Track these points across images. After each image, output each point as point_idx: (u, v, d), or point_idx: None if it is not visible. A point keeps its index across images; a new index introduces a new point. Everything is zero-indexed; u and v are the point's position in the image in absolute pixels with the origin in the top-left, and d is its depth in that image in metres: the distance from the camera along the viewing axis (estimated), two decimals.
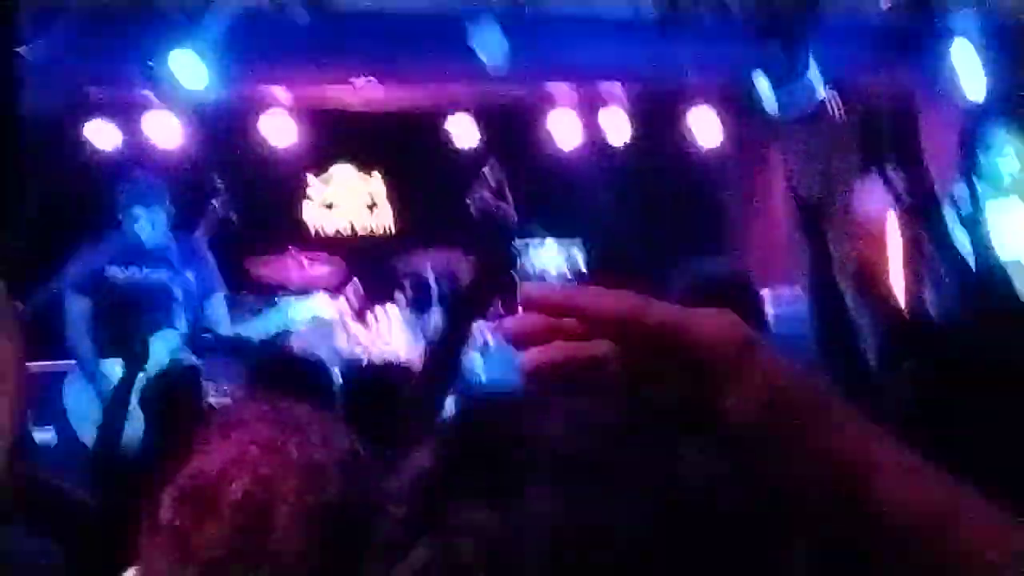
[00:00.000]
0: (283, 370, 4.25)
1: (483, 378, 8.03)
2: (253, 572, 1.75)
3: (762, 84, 9.16)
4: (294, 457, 1.79)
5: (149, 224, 7.29)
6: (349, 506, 1.78)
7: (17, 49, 6.94)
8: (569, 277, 3.58)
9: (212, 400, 3.33)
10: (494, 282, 3.68)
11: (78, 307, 7.31)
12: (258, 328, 7.64)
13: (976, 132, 8.47)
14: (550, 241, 3.54)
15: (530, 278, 3.62)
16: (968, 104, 9.79)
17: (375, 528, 0.99)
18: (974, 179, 7.84)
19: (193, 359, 6.95)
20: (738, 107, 10.44)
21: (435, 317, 9.28)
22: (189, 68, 7.80)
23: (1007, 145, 8.11)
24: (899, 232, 10.90)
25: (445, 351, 3.58)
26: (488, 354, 8.17)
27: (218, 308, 7.54)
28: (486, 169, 9.35)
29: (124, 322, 7.21)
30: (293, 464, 1.78)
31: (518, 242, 3.52)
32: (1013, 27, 9.07)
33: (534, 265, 3.52)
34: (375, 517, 0.96)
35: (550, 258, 3.49)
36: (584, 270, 3.51)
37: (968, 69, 9.21)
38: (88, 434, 6.28)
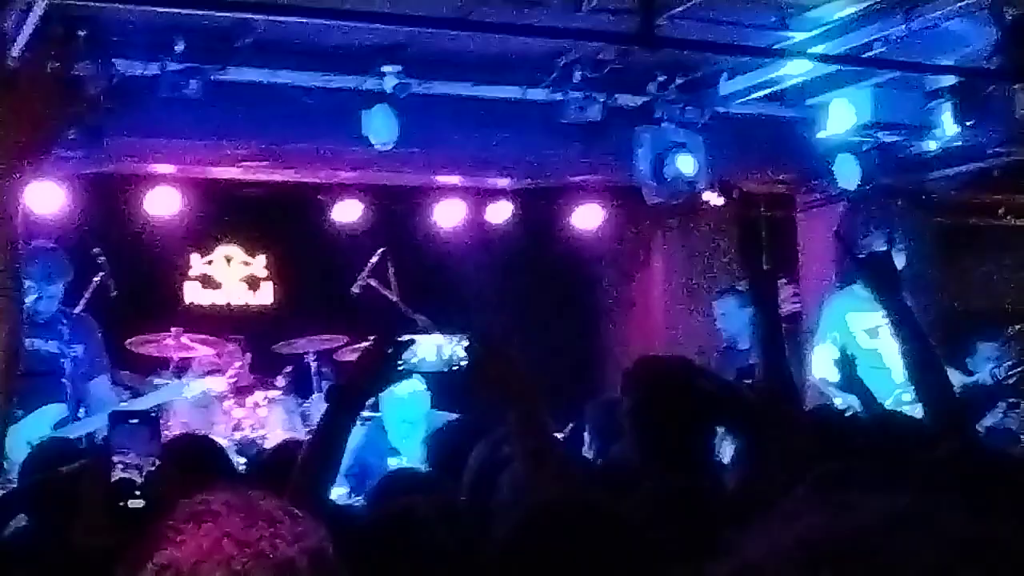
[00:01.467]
0: (192, 451, 4.17)
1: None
2: None
3: (646, 172, 9.27)
4: (267, 553, 1.77)
5: (47, 296, 7.15)
6: None
7: None
8: (453, 368, 3.58)
9: (122, 474, 3.25)
10: (384, 373, 3.67)
11: None
12: (148, 402, 7.56)
13: (851, 241, 8.69)
14: (436, 336, 3.54)
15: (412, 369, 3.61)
16: (846, 208, 10.06)
17: None
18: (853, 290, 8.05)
19: (74, 434, 6.83)
20: (622, 200, 10.59)
21: (317, 402, 9.21)
22: (78, 137, 7.71)
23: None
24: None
25: (330, 438, 3.54)
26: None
27: (103, 386, 7.43)
28: (374, 258, 9.36)
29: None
30: (266, 560, 1.77)
31: (405, 335, 3.51)
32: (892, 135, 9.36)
33: (416, 357, 3.52)
34: None
35: (433, 352, 3.49)
36: (464, 366, 3.52)
37: (847, 176, 9.48)
38: None
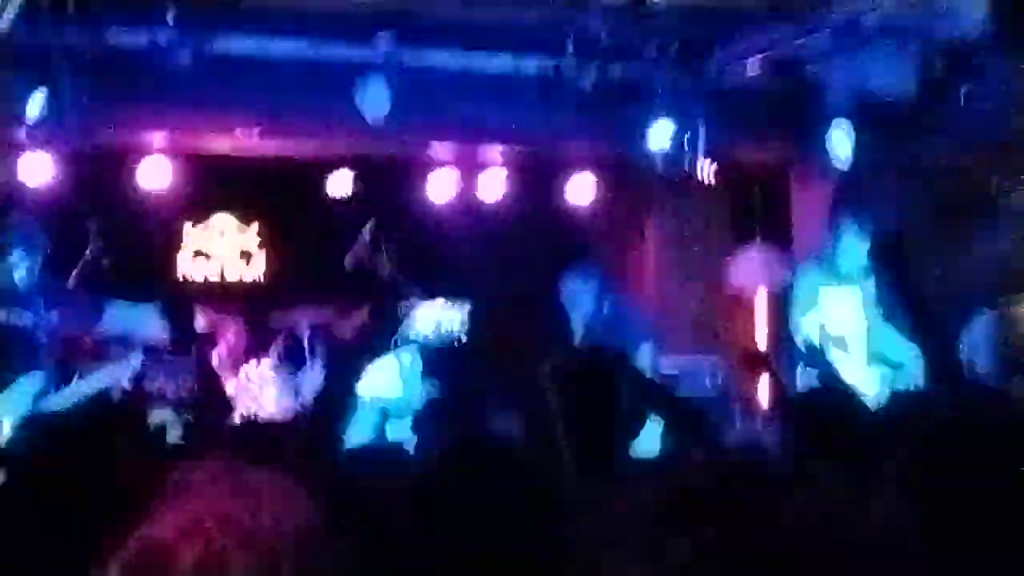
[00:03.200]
0: None
1: None
2: None
3: (640, 147, 9.28)
4: (248, 529, 1.73)
5: (22, 267, 7.15)
6: None
7: None
8: (452, 339, 3.55)
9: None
10: (382, 340, 3.65)
11: None
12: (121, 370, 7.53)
13: (835, 216, 8.71)
14: (439, 301, 3.52)
15: (411, 338, 3.59)
16: (838, 180, 10.03)
17: None
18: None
19: (54, 406, 6.85)
20: (615, 170, 10.56)
21: (310, 374, 9.19)
22: (70, 108, 7.68)
23: (853, 235, 8.35)
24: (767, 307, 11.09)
25: (328, 405, 3.55)
26: None
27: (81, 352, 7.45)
28: (367, 228, 9.32)
29: None
30: (247, 536, 1.72)
31: (402, 303, 3.50)
32: (887, 106, 9.31)
33: (415, 326, 3.50)
34: None
35: (431, 320, 3.46)
36: (463, 333, 3.48)
37: (841, 147, 9.44)
38: None
